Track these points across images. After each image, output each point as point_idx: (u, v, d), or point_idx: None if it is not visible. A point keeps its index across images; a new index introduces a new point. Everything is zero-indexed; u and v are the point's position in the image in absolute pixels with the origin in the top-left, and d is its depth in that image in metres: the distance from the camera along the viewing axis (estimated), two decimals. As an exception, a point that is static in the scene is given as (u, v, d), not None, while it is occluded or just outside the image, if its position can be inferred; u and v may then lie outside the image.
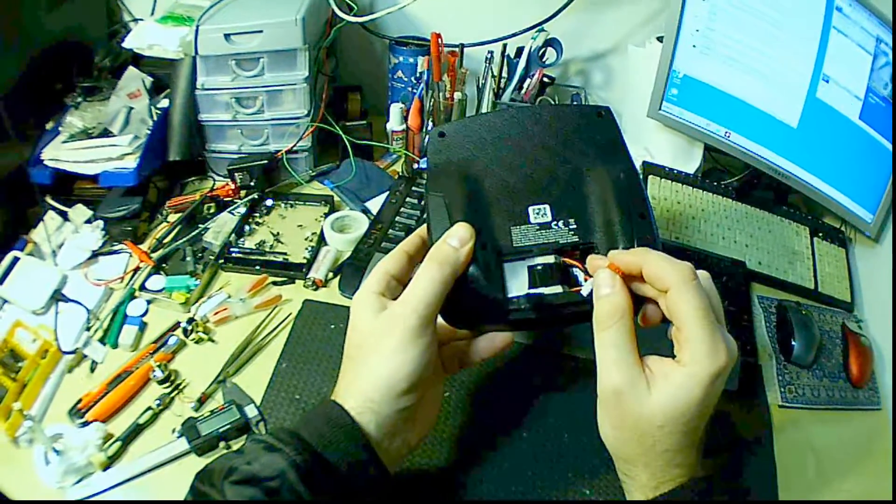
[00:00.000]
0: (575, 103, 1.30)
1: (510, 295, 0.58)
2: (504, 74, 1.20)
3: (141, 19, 1.27)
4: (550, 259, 0.59)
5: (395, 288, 0.58)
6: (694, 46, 1.09)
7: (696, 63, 1.10)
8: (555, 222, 0.60)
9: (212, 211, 1.04)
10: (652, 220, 0.60)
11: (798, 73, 1.06)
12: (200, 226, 1.00)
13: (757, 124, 1.10)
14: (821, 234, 1.16)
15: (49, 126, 1.06)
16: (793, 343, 0.95)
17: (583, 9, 1.23)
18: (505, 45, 1.19)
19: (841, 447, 0.88)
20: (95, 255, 0.94)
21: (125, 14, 1.31)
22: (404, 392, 0.54)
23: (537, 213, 0.60)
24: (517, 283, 0.59)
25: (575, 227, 0.60)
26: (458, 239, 0.55)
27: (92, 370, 0.81)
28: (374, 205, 1.08)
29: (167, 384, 0.79)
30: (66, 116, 1.06)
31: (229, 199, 1.06)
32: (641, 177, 1.15)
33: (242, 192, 1.06)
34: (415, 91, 1.20)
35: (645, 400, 0.50)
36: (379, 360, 0.53)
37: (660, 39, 1.13)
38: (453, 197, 0.60)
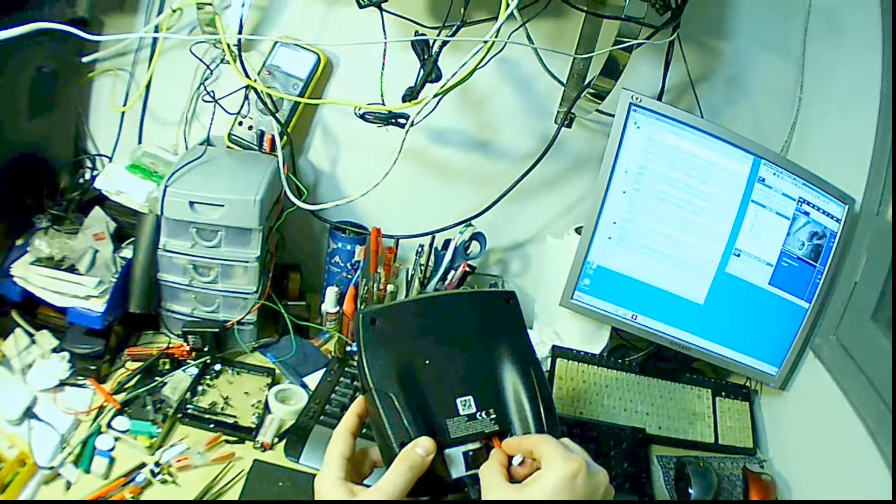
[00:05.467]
0: (485, 289, 1.43)
1: (453, 476, 0.71)
2: (431, 264, 1.32)
3: (105, 155, 1.36)
4: (479, 444, 0.72)
5: (349, 468, 0.70)
6: (609, 238, 1.17)
7: (610, 254, 1.18)
8: (478, 412, 0.72)
9: (167, 367, 1.13)
10: (552, 407, 0.73)
11: (709, 254, 1.15)
12: (157, 379, 1.09)
13: (664, 305, 1.18)
14: (723, 394, 1.29)
15: (19, 242, 1.12)
16: (689, 492, 1.05)
17: (507, 201, 1.33)
18: (433, 238, 1.32)
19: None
20: (63, 383, 1.00)
21: (90, 143, 1.37)
22: None
23: (464, 405, 0.72)
24: (456, 466, 0.71)
25: (495, 416, 0.73)
26: (424, 449, 0.68)
27: (67, 488, 0.86)
28: (312, 380, 1.20)
29: (138, 516, 0.86)
30: (34, 238, 1.11)
31: (183, 358, 1.16)
32: (550, 359, 1.28)
33: (194, 354, 1.17)
34: (349, 277, 1.33)
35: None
36: None
37: (578, 231, 1.23)
38: (399, 398, 0.71)
